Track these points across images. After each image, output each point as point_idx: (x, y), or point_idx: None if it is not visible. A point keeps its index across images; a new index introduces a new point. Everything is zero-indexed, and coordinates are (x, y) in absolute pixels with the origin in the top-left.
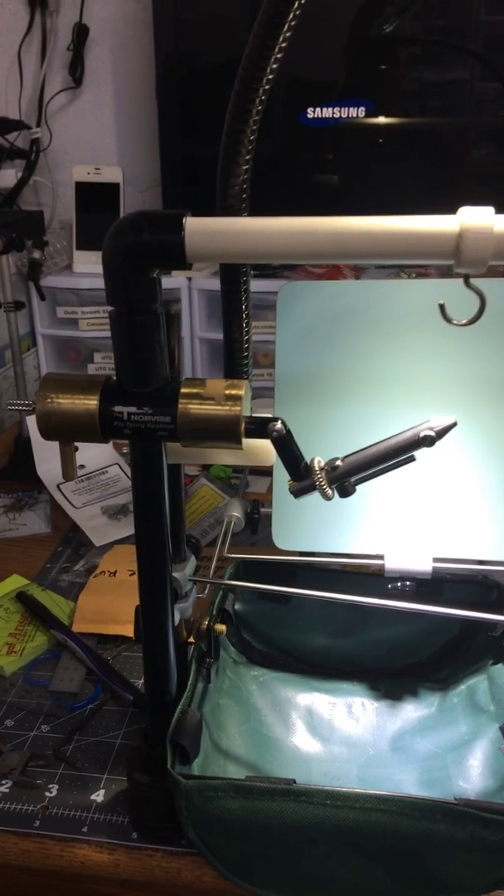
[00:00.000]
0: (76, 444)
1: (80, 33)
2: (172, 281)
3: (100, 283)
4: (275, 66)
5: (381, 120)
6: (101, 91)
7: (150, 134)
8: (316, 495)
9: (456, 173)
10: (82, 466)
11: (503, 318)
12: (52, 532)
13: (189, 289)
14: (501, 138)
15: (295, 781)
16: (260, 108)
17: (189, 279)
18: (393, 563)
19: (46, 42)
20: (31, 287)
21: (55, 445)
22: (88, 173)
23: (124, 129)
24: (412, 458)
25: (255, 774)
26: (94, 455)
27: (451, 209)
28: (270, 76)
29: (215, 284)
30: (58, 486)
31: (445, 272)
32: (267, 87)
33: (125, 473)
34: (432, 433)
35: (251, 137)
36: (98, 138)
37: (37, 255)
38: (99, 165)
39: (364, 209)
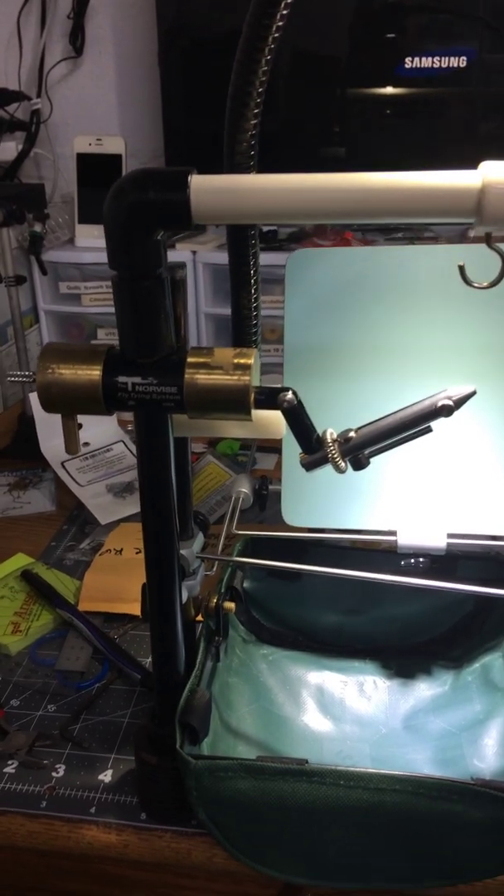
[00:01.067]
0: (79, 419)
1: (81, 1)
2: (177, 254)
3: (103, 257)
4: (285, 11)
5: (388, 90)
6: (102, 61)
7: (152, 105)
8: (327, 469)
9: (464, 145)
10: (86, 444)
11: None
12: (56, 510)
13: (194, 262)
14: None
15: (307, 761)
16: (269, 57)
17: (194, 252)
18: (406, 538)
19: (46, 10)
20: (32, 261)
21: (59, 423)
22: (90, 144)
23: (126, 99)
24: (429, 429)
25: (266, 754)
26: (99, 432)
27: None
28: (280, 23)
29: (221, 258)
30: (62, 463)
31: (455, 242)
32: (276, 35)
33: (130, 451)
34: (450, 402)
35: (259, 90)
36: (99, 109)
37: (38, 228)
38: (101, 136)
39: None
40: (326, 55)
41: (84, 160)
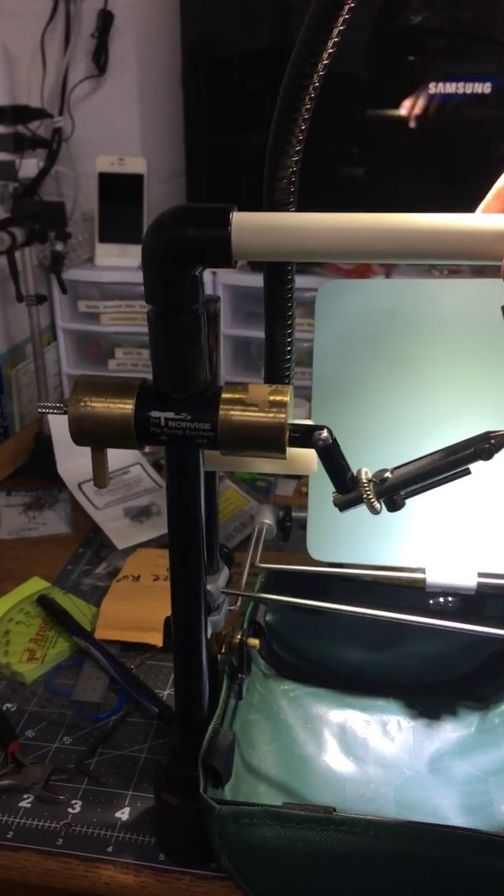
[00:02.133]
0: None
1: (105, 20)
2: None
3: (122, 276)
4: (331, 50)
5: (407, 111)
6: (125, 79)
7: (174, 124)
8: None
9: (483, 167)
10: None
11: None
12: (72, 532)
13: (214, 283)
14: None
15: (335, 809)
16: (312, 95)
17: (214, 273)
18: (435, 577)
19: (70, 29)
20: (52, 280)
21: (72, 443)
22: (112, 164)
23: (148, 118)
24: (467, 472)
25: (288, 797)
26: (116, 454)
27: (477, 203)
28: (326, 62)
29: (241, 280)
30: (79, 485)
31: (479, 270)
32: (321, 73)
33: (147, 473)
34: (490, 446)
35: (302, 128)
36: (122, 128)
37: (59, 247)
38: (122, 156)
39: (389, 203)
40: (347, 74)
41: (105, 179)
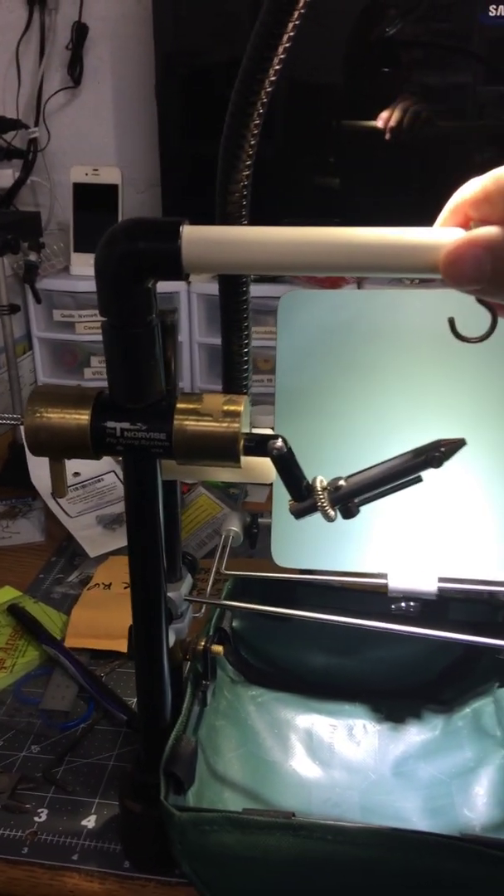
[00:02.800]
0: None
1: (80, 32)
2: (171, 285)
3: None
4: (278, 67)
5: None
6: (100, 91)
7: (149, 134)
8: (318, 514)
9: (459, 178)
10: (77, 474)
11: None
12: (45, 541)
13: (188, 293)
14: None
15: (294, 815)
16: (261, 111)
17: (188, 283)
18: (397, 582)
19: (45, 41)
20: (26, 290)
21: (33, 454)
22: (87, 174)
23: (124, 129)
24: (419, 479)
25: (253, 802)
26: (89, 462)
27: None
28: (273, 78)
29: (215, 289)
30: (51, 493)
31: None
32: (269, 89)
33: (121, 481)
34: (440, 454)
35: (252, 143)
36: (97, 138)
37: (33, 257)
38: (97, 166)
39: (365, 213)
40: (323, 86)
41: (80, 190)
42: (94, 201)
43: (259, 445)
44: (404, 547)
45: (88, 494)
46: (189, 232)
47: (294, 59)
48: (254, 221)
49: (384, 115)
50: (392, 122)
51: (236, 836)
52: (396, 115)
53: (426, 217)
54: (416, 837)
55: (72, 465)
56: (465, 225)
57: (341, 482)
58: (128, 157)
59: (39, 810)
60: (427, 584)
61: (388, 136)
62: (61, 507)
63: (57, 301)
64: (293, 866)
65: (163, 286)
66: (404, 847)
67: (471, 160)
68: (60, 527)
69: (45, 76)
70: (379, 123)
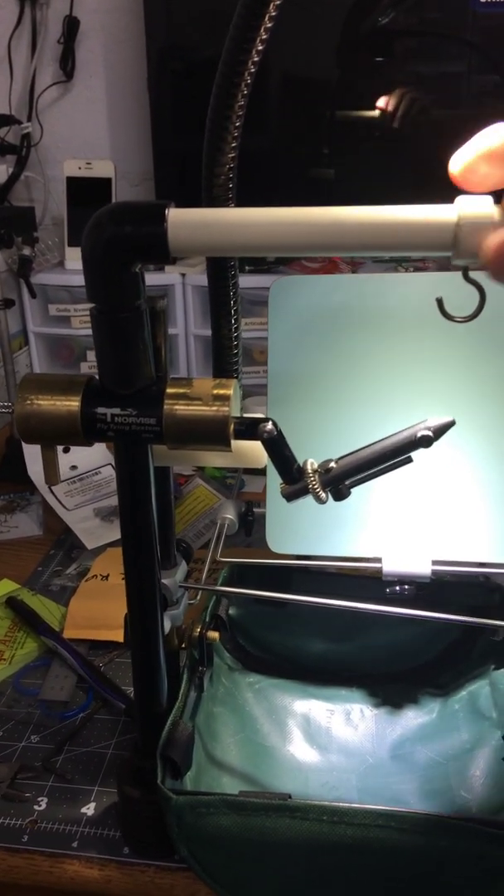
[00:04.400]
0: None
1: (71, 26)
2: (166, 277)
3: None
4: (260, 48)
5: (378, 113)
6: (92, 85)
7: (142, 127)
8: (310, 498)
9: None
10: (74, 467)
11: (500, 312)
12: (44, 535)
13: (183, 285)
14: None
15: (290, 796)
16: (245, 92)
17: (183, 275)
18: (391, 565)
19: (37, 35)
20: (21, 284)
21: (25, 441)
22: (80, 168)
23: (117, 122)
24: (409, 460)
25: (250, 787)
26: (87, 455)
27: (450, 201)
28: (256, 59)
29: None
30: (50, 487)
31: (444, 266)
32: (252, 70)
33: None
34: (430, 433)
35: (237, 125)
36: (90, 132)
37: (27, 251)
38: (90, 160)
39: (360, 203)
40: (317, 78)
41: (74, 183)
42: (87, 195)
43: (249, 429)
44: (398, 531)
45: (86, 487)
46: (175, 215)
47: (287, 50)
48: None
49: (381, 101)
50: (390, 108)
51: (233, 819)
52: (393, 100)
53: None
54: (410, 816)
55: (69, 457)
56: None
57: (332, 464)
58: (121, 150)
59: (39, 799)
60: (421, 567)
61: (395, 125)
62: (59, 501)
63: (52, 295)
64: (290, 847)
65: (158, 278)
66: (399, 826)
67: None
68: (58, 520)
69: (38, 71)
70: (379, 104)
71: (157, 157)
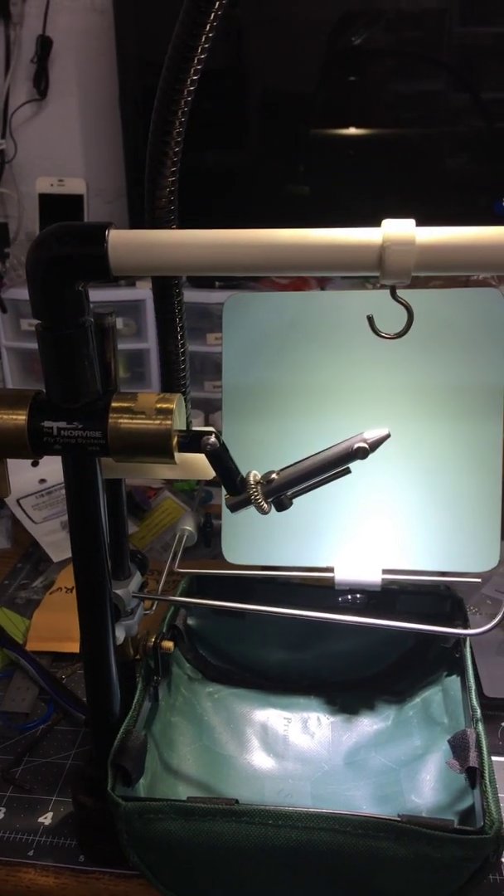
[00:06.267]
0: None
1: (44, 45)
2: (138, 292)
3: None
4: (195, 77)
5: (353, 131)
6: (66, 103)
7: (116, 145)
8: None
9: (431, 184)
10: (43, 481)
11: (436, 329)
12: (12, 547)
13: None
14: (476, 148)
15: (237, 801)
16: (183, 119)
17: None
18: (343, 575)
19: (10, 54)
20: None
21: (14, 460)
22: (52, 185)
23: (91, 140)
24: (348, 471)
25: (204, 794)
26: (56, 469)
27: (427, 221)
28: (192, 87)
29: (187, 296)
30: (17, 500)
31: (411, 283)
32: (189, 98)
33: None
34: (366, 445)
35: (176, 149)
36: (64, 150)
37: None
38: (63, 177)
39: (336, 221)
40: (294, 94)
41: (46, 200)
42: (60, 212)
43: (193, 441)
44: (349, 541)
45: (54, 501)
46: (115, 236)
47: (264, 68)
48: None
49: None
50: None
51: (180, 824)
52: None
53: None
54: (351, 819)
55: (38, 471)
56: None
57: (273, 475)
58: (95, 167)
59: None
60: (371, 576)
61: None
62: (26, 514)
63: (24, 310)
64: (237, 851)
65: (129, 294)
66: (341, 829)
67: (442, 167)
68: (27, 534)
69: (12, 89)
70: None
71: (128, 174)
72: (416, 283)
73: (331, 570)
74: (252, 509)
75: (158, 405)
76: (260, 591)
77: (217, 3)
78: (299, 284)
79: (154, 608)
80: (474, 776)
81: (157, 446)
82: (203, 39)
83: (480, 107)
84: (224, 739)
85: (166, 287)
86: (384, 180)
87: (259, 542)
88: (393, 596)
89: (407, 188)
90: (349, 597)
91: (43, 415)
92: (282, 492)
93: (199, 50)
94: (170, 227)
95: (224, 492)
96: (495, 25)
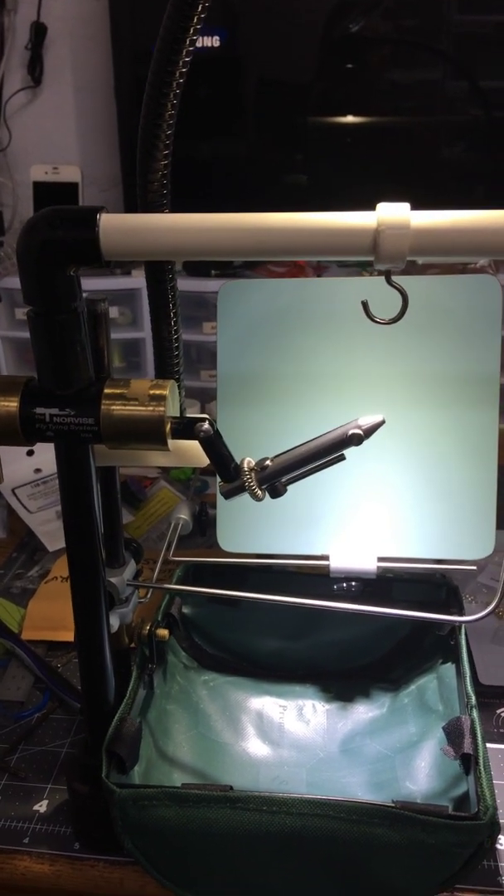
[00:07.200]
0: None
1: (39, 32)
2: (133, 281)
3: None
4: (187, 59)
5: (351, 119)
6: (61, 90)
7: (111, 133)
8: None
9: (428, 172)
10: (38, 470)
11: (431, 316)
12: (7, 537)
13: None
14: (473, 136)
15: (231, 788)
16: (175, 101)
17: None
18: (338, 563)
19: (4, 41)
20: None
21: (9, 450)
22: (46, 173)
23: (85, 128)
24: (342, 457)
25: (198, 781)
26: (51, 458)
27: (424, 209)
28: (183, 69)
29: (183, 285)
30: (13, 490)
31: (407, 269)
32: (181, 80)
33: None
34: (360, 432)
35: (168, 132)
36: (59, 138)
37: None
38: (57, 165)
39: (334, 210)
40: (292, 82)
41: (41, 188)
42: (55, 200)
43: (186, 428)
44: (345, 529)
45: (49, 490)
46: (107, 220)
47: (262, 56)
48: None
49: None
50: None
51: (175, 810)
52: None
53: None
54: (345, 805)
55: (33, 460)
56: None
57: (267, 462)
58: (90, 155)
59: None
60: (366, 564)
61: None
62: (21, 503)
63: (18, 299)
64: (231, 838)
65: (124, 282)
66: (335, 815)
67: (440, 156)
68: (22, 524)
69: (6, 76)
70: None
71: (124, 162)
72: (413, 271)
73: (326, 558)
74: (247, 497)
75: (151, 391)
76: (255, 580)
77: None
78: (295, 272)
79: (149, 596)
80: (468, 763)
81: (151, 433)
82: (195, 20)
83: (478, 95)
84: (219, 727)
85: (159, 273)
86: (382, 169)
87: (254, 530)
88: (388, 584)
89: (405, 177)
90: (344, 585)
91: (35, 401)
92: (276, 478)
93: (191, 31)
94: (162, 212)
95: (218, 479)
96: (493, 13)
